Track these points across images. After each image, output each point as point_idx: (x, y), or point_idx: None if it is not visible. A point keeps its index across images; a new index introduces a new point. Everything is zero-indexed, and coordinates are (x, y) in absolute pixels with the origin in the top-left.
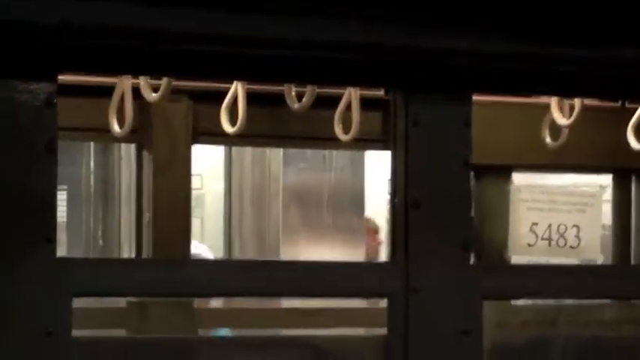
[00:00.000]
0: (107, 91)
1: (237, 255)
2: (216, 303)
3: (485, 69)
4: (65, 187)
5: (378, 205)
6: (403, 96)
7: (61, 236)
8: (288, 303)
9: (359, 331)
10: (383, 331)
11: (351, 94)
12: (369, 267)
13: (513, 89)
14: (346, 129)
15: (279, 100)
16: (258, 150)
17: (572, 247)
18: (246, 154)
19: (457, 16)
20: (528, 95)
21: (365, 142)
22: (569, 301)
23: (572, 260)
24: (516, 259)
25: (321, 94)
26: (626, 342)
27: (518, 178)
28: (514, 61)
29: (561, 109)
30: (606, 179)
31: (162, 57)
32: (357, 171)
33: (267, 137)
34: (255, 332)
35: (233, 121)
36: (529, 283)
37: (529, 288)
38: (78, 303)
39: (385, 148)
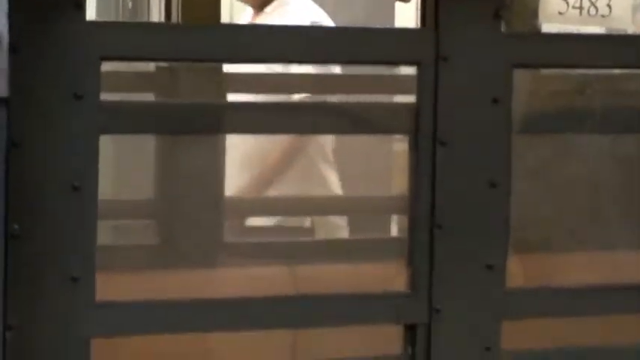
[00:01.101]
0: None
1: None
2: (245, 68)
3: None
4: None
5: None
6: None
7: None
8: (316, 69)
9: (387, 98)
10: (412, 98)
11: None
12: (398, 33)
13: None
14: None
15: None
16: None
17: (603, 15)
18: None
19: None
20: None
21: None
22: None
23: (602, 29)
24: (547, 27)
25: None
26: None
27: None
28: None
29: None
30: None
31: None
32: None
33: None
34: (285, 98)
35: None
36: (560, 51)
37: (559, 57)
38: (106, 67)
39: None
